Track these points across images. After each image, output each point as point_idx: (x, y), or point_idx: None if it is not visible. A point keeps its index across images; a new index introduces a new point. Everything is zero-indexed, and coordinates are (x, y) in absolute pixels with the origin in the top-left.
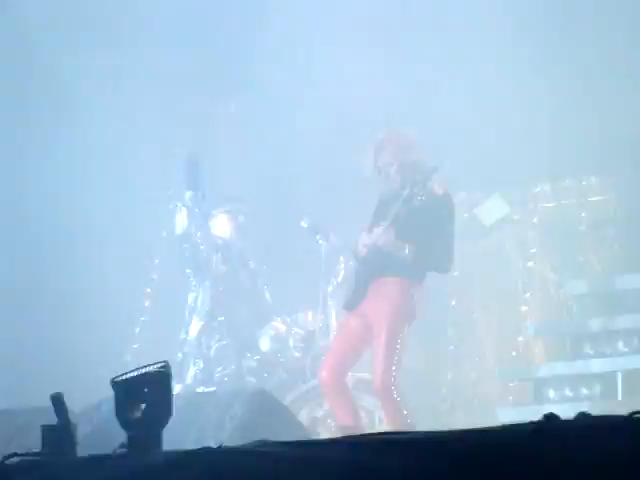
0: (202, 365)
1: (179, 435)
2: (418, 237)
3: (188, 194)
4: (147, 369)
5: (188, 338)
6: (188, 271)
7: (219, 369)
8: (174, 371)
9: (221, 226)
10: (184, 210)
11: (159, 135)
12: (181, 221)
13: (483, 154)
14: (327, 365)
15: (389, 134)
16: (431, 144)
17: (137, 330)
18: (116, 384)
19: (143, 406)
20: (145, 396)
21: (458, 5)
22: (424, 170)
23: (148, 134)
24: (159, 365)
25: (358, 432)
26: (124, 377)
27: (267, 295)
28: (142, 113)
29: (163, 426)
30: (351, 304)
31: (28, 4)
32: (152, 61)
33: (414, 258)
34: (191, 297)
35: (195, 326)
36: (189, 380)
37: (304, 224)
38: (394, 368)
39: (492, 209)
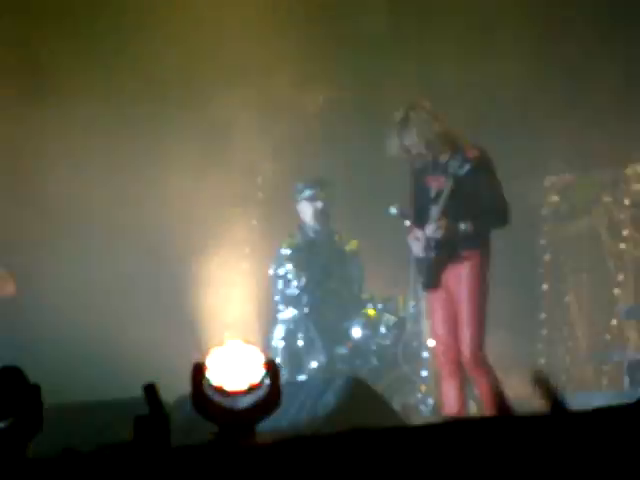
0: (290, 356)
1: (272, 424)
2: (470, 207)
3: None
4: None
5: (276, 328)
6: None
7: (311, 361)
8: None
9: (304, 212)
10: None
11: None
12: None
13: (572, 136)
14: (440, 347)
15: (409, 111)
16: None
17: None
18: None
19: None
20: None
21: None
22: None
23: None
24: None
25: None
26: None
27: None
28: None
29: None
30: (430, 285)
31: None
32: None
33: (474, 228)
34: (280, 284)
35: (283, 315)
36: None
37: (393, 210)
38: (482, 334)
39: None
